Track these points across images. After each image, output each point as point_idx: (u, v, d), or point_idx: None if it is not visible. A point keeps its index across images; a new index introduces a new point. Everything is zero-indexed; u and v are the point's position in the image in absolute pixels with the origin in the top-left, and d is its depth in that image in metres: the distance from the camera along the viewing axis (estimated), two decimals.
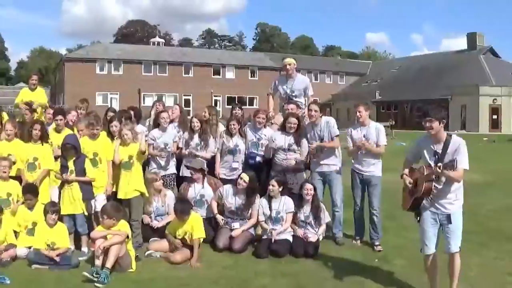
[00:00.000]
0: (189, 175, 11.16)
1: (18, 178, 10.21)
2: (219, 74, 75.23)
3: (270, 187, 10.29)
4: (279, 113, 12.41)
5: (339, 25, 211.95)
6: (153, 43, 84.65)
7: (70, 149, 9.75)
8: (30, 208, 9.76)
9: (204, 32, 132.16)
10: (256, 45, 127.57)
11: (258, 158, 11.27)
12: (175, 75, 71.82)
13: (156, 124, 11.66)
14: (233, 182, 10.62)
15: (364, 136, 10.14)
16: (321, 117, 10.70)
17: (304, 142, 10.77)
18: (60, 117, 10.85)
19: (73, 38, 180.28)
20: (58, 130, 10.83)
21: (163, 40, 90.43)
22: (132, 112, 11.85)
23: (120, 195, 10.32)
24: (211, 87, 71.75)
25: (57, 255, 8.95)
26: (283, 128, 10.94)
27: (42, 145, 10.34)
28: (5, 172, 9.87)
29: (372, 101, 70.39)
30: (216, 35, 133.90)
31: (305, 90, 12.19)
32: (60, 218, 9.60)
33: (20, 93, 13.23)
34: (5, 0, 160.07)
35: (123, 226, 9.03)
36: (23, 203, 9.83)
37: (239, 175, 10.45)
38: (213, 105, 50.37)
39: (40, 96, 13.08)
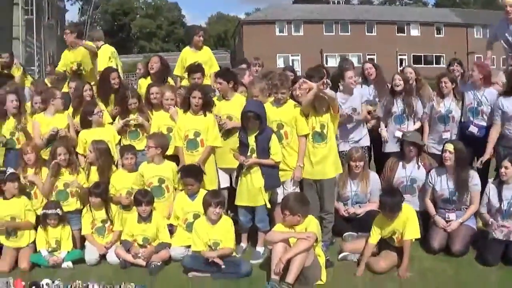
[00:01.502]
0: (393, 150, 8.91)
1: (173, 158, 8.31)
2: (403, 32, 70.81)
3: (502, 169, 7.52)
4: (500, 70, 9.74)
5: None
6: (333, 2, 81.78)
7: (253, 119, 7.45)
8: (191, 196, 7.77)
9: None
10: (438, 1, 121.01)
11: (475, 129, 8.60)
12: (358, 34, 68.29)
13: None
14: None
15: None
16: None
17: None
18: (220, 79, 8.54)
19: (250, 3, 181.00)
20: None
21: None
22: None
23: (306, 175, 7.92)
24: (395, 46, 67.93)
25: (221, 259, 6.94)
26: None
27: (205, 116, 8.17)
28: (148, 153, 8.08)
29: None
30: None
31: None
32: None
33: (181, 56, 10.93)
34: None
35: (311, 224, 6.76)
36: (182, 190, 7.93)
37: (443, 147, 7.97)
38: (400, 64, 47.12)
39: (205, 55, 10.68)
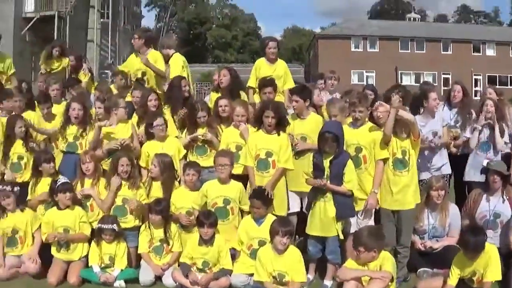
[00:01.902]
0: (475, 179, 8.27)
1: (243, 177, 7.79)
2: (478, 51, 69.14)
3: None
4: None
5: None
6: (409, 19, 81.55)
7: (331, 141, 6.88)
8: (258, 220, 7.20)
9: (459, 7, 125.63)
10: None
11: None
12: (433, 52, 66.88)
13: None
14: None
15: None
16: None
17: None
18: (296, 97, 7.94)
19: (326, 17, 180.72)
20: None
21: (418, 16, 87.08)
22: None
23: (384, 204, 7.38)
24: (470, 65, 65.77)
25: None
26: None
27: (279, 135, 7.58)
28: (223, 172, 7.47)
29: None
30: (472, 11, 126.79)
31: None
32: None
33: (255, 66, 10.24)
34: None
35: (387, 262, 6.25)
36: (248, 212, 7.38)
37: None
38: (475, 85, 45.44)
39: (280, 68, 9.95)
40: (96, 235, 7.33)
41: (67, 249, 7.36)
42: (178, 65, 10.08)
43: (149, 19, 72.91)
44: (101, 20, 39.57)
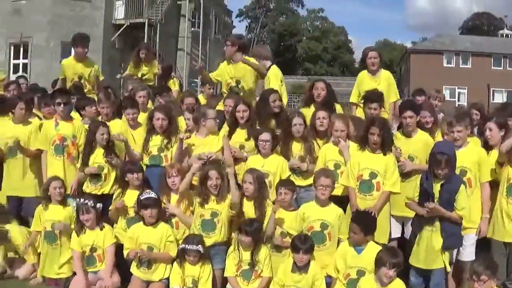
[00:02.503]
0: None
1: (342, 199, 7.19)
2: None
3: None
4: None
5: None
6: (501, 35, 79.37)
7: (445, 163, 6.33)
8: (356, 247, 6.51)
9: None
10: None
11: None
12: None
13: None
14: None
15: None
16: None
17: None
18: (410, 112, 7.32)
19: (417, 31, 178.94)
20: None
21: (511, 32, 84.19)
22: None
23: (496, 236, 6.74)
24: None
25: None
26: None
27: (385, 155, 7.01)
28: (324, 194, 6.86)
29: None
30: None
31: None
32: None
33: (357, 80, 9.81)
34: None
35: None
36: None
37: None
38: None
39: (383, 81, 9.47)
40: (179, 256, 6.82)
41: (148, 268, 6.92)
42: (277, 77, 9.57)
43: (239, 30, 73.22)
44: (192, 29, 39.66)
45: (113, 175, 7.76)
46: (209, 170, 7.08)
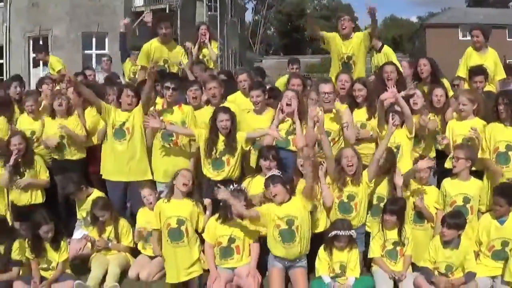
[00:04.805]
0: None
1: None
2: None
3: None
4: None
5: None
6: None
7: None
8: (499, 219, 6.44)
9: None
10: None
11: None
12: None
13: None
14: None
15: None
16: None
17: None
18: None
19: (420, 6, 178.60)
20: None
21: None
22: None
23: None
24: None
25: None
26: None
27: None
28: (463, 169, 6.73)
29: None
30: None
31: None
32: None
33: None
34: None
35: None
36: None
37: None
38: None
39: (489, 58, 9.11)
40: (327, 243, 6.53)
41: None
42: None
43: (246, 12, 72.17)
44: (209, 13, 39.27)
45: (232, 161, 7.29)
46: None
